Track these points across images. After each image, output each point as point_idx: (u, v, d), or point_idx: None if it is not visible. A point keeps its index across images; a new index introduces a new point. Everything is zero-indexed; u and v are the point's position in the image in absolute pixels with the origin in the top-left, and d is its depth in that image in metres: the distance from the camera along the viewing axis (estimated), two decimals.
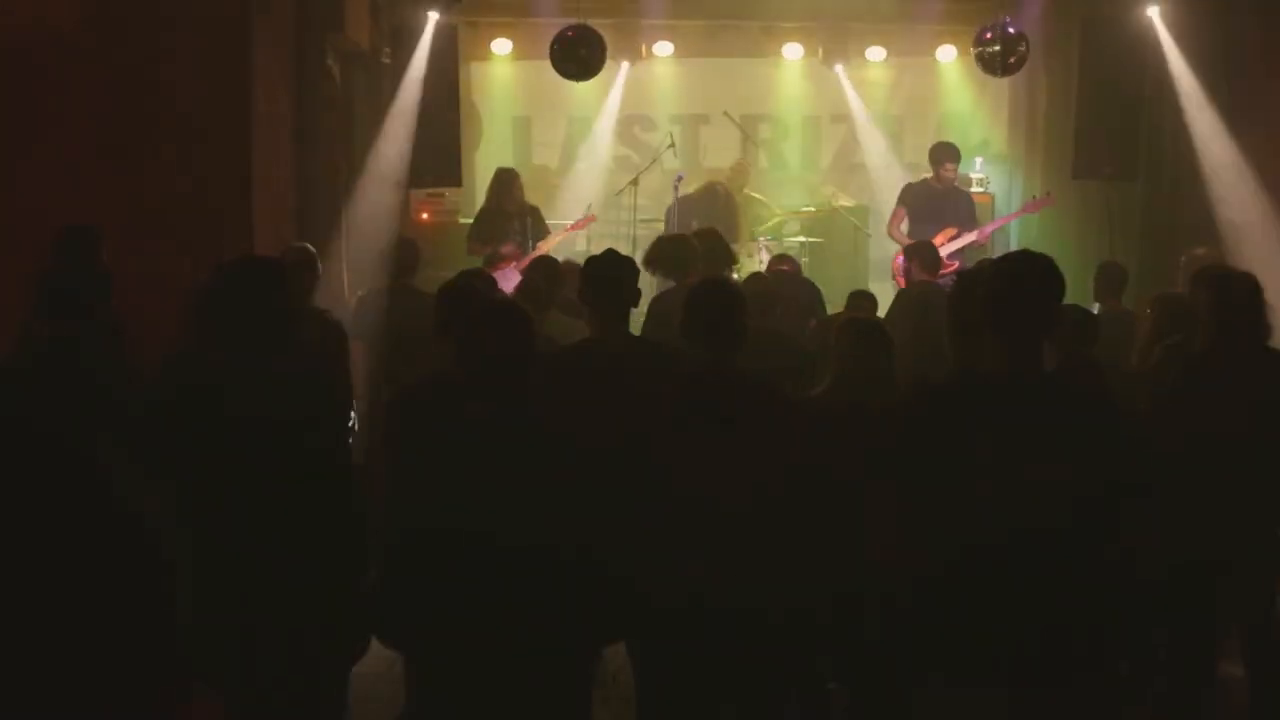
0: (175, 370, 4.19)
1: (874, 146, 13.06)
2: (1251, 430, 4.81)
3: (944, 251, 9.90)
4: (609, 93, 12.63)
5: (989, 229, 10.52)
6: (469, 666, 3.76)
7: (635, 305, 4.95)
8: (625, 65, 12.52)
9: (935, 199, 10.39)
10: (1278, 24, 9.12)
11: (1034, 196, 10.93)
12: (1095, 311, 6.93)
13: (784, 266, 8.55)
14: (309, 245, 7.38)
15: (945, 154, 10.41)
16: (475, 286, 5.52)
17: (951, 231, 10.11)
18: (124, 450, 3.29)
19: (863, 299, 7.59)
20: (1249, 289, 5.09)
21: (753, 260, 10.75)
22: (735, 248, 10.03)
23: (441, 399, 4.04)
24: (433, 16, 10.12)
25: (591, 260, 5.07)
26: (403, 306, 7.37)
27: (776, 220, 11.91)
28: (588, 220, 10.73)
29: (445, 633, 3.77)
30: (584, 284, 4.95)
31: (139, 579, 3.10)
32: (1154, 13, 9.91)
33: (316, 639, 3.93)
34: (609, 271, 4.91)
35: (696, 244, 6.92)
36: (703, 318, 4.19)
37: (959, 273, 5.99)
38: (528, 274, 6.85)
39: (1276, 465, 4.88)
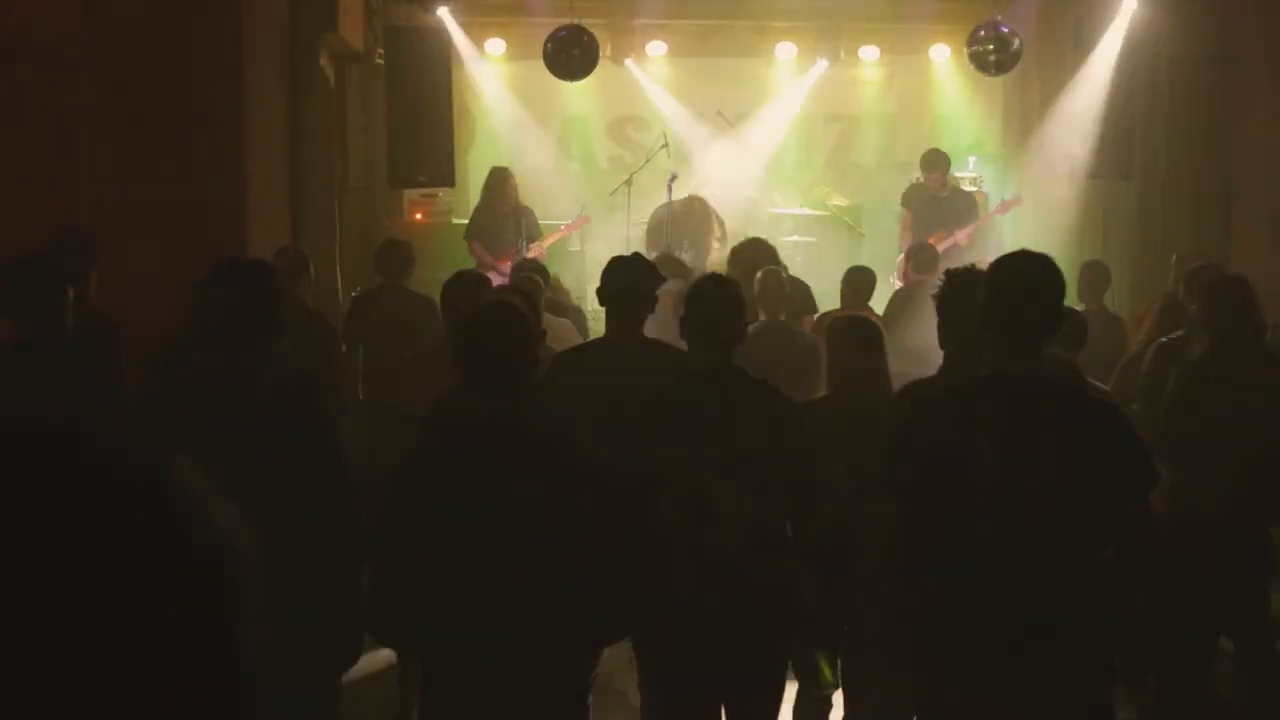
0: (168, 371, 4.18)
1: (868, 146, 13.09)
2: (1251, 434, 4.80)
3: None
4: (602, 93, 12.61)
5: (964, 231, 10.51)
6: (466, 669, 3.75)
7: (652, 311, 4.98)
8: (618, 65, 12.50)
9: (935, 201, 10.38)
10: (1274, 21, 9.12)
11: (1002, 199, 11.00)
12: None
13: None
14: (300, 247, 7.38)
15: (932, 164, 10.40)
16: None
17: (942, 234, 10.11)
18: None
19: (858, 279, 7.63)
20: (1241, 292, 5.08)
21: None
22: (711, 257, 10.38)
23: (444, 399, 4.03)
24: (426, 17, 10.13)
25: (616, 260, 5.10)
26: (396, 307, 7.37)
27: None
28: (582, 221, 10.72)
29: (442, 634, 3.76)
30: (604, 284, 4.98)
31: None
32: (1135, 17, 9.95)
33: (310, 643, 3.91)
34: (630, 273, 4.94)
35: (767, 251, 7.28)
36: (702, 317, 4.17)
37: (947, 273, 5.98)
38: (515, 275, 6.86)
39: (1273, 467, 4.88)
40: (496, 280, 9.10)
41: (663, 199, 11.00)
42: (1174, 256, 7.64)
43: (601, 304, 5.07)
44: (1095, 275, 7.66)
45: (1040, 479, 3.31)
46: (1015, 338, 3.43)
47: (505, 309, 3.92)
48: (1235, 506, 4.83)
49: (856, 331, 4.87)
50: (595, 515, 3.74)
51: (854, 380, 4.70)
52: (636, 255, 5.24)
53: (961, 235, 10.27)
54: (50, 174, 6.94)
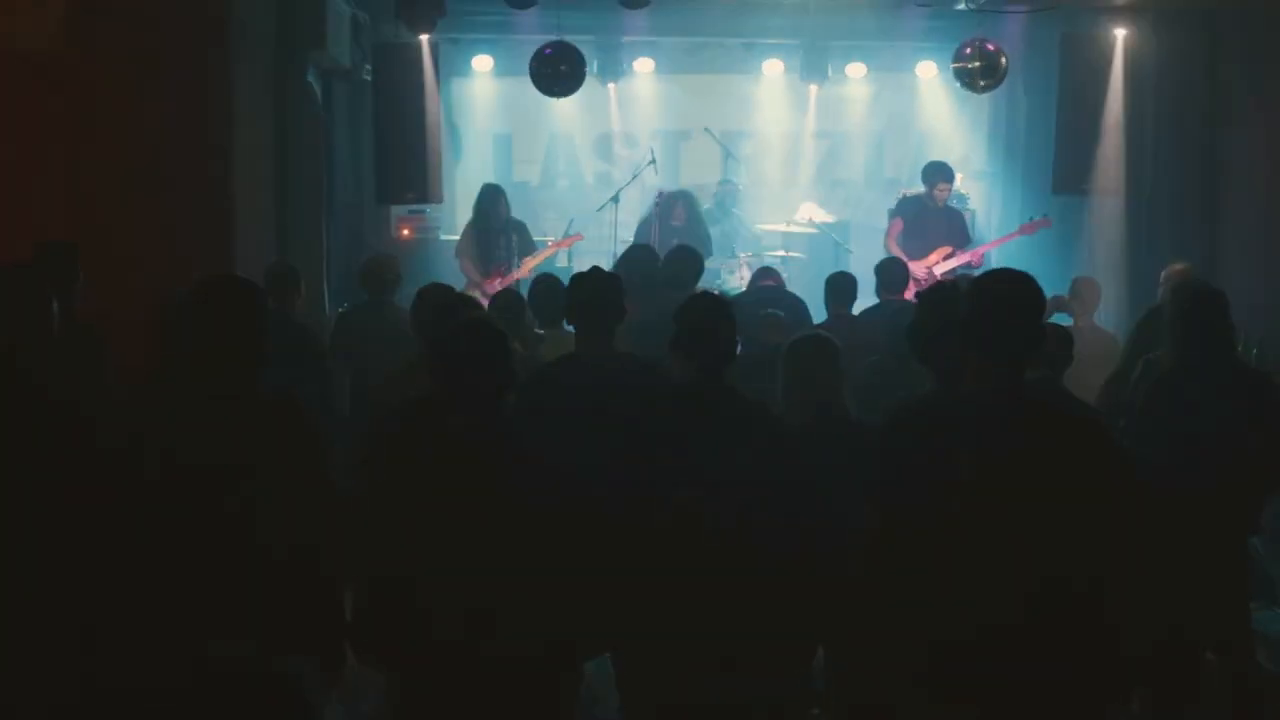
0: (145, 397, 4.11)
1: (855, 162, 13.12)
2: (1217, 445, 4.81)
3: (939, 271, 9.90)
4: (589, 109, 12.64)
5: (981, 250, 10.46)
6: (449, 686, 3.74)
7: (621, 321, 4.97)
8: (606, 82, 12.52)
9: (930, 214, 10.39)
10: (1258, 41, 9.18)
11: (1031, 218, 10.76)
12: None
13: (768, 281, 8.55)
14: (288, 261, 7.37)
15: (937, 173, 10.39)
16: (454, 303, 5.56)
17: (946, 250, 10.10)
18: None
19: (841, 284, 7.54)
20: (1214, 304, 5.10)
21: (734, 276, 10.76)
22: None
23: (420, 418, 4.01)
24: (413, 33, 10.12)
25: (578, 276, 5.10)
26: (382, 323, 7.37)
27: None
28: (574, 239, 10.71)
29: (425, 653, 3.75)
30: (570, 300, 4.98)
31: None
32: (1121, 35, 10.01)
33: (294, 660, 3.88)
34: (596, 287, 4.94)
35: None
36: (692, 334, 4.16)
37: (918, 294, 5.98)
38: (496, 295, 6.86)
39: (1244, 479, 4.89)
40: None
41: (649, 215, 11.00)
42: (1162, 273, 7.67)
43: (569, 320, 5.07)
44: (1086, 291, 7.68)
45: (1021, 494, 3.31)
46: (997, 356, 3.43)
47: (482, 328, 3.93)
48: (1208, 516, 4.85)
49: (802, 348, 4.89)
50: (575, 532, 3.74)
51: (806, 397, 4.74)
52: (596, 268, 5.24)
53: (973, 255, 10.19)
54: (35, 190, 6.93)
